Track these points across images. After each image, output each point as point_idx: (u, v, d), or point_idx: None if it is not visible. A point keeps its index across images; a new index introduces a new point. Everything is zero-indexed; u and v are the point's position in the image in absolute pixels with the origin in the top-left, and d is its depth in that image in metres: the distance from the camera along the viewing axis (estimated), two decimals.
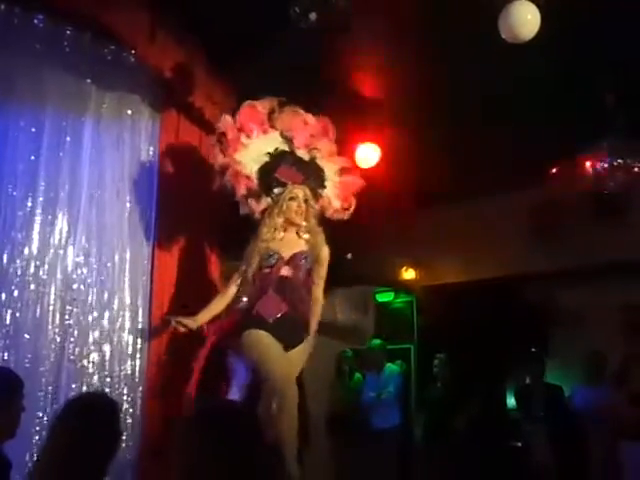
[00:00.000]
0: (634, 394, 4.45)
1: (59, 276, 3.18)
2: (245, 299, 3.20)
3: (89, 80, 3.43)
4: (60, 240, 3.21)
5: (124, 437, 3.16)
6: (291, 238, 3.16)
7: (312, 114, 3.38)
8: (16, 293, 3.01)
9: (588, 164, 4.10)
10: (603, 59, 3.70)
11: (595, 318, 5.88)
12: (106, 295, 3.36)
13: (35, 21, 3.16)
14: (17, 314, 2.99)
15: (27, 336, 3.01)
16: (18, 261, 3.04)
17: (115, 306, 3.40)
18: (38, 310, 3.07)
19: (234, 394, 3.69)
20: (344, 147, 3.60)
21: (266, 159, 3.22)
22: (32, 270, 3.08)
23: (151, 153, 3.72)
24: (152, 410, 3.39)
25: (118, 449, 1.88)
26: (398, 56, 3.95)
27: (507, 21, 3.02)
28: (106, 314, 3.35)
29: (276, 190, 3.17)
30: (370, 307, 6.84)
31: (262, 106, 3.29)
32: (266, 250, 3.08)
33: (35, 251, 3.10)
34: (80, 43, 3.32)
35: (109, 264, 3.40)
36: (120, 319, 3.41)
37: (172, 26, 3.55)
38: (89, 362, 3.24)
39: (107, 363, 3.31)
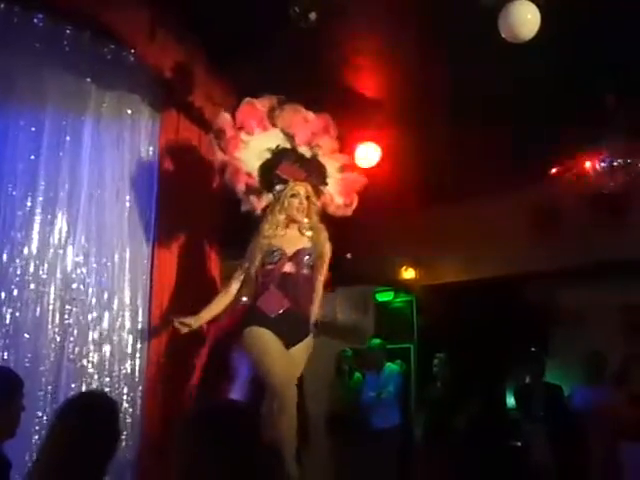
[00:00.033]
0: (634, 394, 4.45)
1: (59, 275, 3.17)
2: (245, 299, 3.20)
3: (89, 79, 3.42)
4: (60, 239, 3.21)
5: (124, 437, 3.16)
6: (293, 235, 3.15)
7: (313, 112, 3.37)
8: (16, 292, 3.01)
9: (588, 164, 4.10)
10: (603, 59, 3.70)
11: (595, 318, 5.89)
12: (106, 295, 3.36)
13: (35, 20, 3.15)
14: (17, 313, 2.99)
15: (27, 335, 3.01)
16: (18, 260, 3.04)
17: (115, 306, 3.40)
18: (38, 310, 3.07)
19: (237, 392, 3.70)
20: (344, 147, 3.59)
21: (268, 156, 3.21)
22: (32, 269, 3.08)
23: (151, 152, 3.72)
24: (152, 410, 3.38)
25: (118, 448, 1.88)
26: (398, 56, 3.95)
27: (507, 20, 3.01)
28: (106, 314, 3.35)
29: (278, 187, 3.16)
30: (370, 307, 6.85)
31: (261, 104, 3.28)
32: (269, 247, 3.07)
33: (35, 250, 3.10)
34: (80, 42, 3.32)
35: (109, 264, 3.40)
36: (120, 319, 3.41)
37: (172, 25, 3.54)
38: (89, 362, 3.24)
39: (107, 363, 3.31)
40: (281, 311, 3.00)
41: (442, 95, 4.27)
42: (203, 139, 3.80)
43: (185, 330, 3.06)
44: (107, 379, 3.29)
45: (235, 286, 3.16)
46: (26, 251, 3.07)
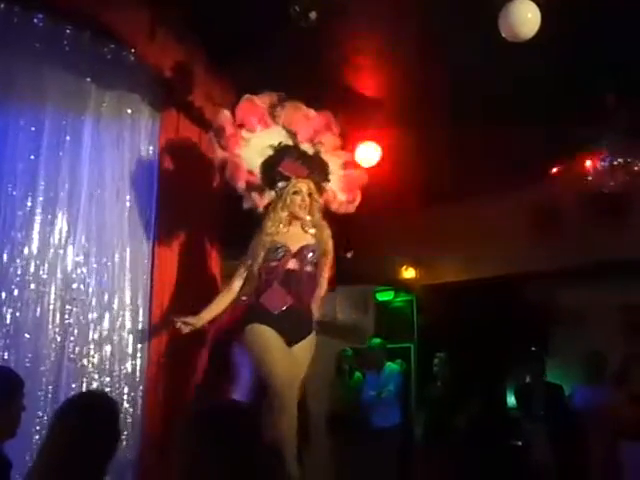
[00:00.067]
0: (634, 394, 4.45)
1: (59, 275, 3.17)
2: (244, 298, 3.19)
3: (89, 79, 3.42)
4: (60, 239, 3.21)
5: (124, 436, 3.16)
6: (296, 232, 3.14)
7: (314, 109, 3.37)
8: (16, 292, 3.00)
9: (588, 163, 4.10)
10: (603, 58, 3.70)
11: (595, 318, 5.89)
12: (106, 294, 3.36)
13: (35, 20, 3.15)
14: (17, 313, 2.99)
15: (27, 335, 3.01)
16: (18, 260, 3.04)
17: (115, 305, 3.40)
18: (38, 309, 3.07)
19: (238, 391, 3.70)
20: (344, 146, 3.59)
21: (270, 153, 3.19)
22: (32, 269, 3.07)
23: (151, 152, 3.72)
24: (152, 409, 3.39)
25: (118, 448, 1.88)
26: (398, 55, 3.94)
27: (507, 20, 3.01)
28: (106, 313, 3.35)
29: (280, 184, 3.15)
30: (370, 306, 6.85)
31: (261, 101, 3.27)
32: (272, 243, 3.05)
33: (35, 250, 3.10)
34: (80, 42, 3.32)
35: (109, 263, 3.40)
36: (120, 318, 3.41)
37: (172, 25, 3.54)
38: (89, 361, 3.24)
39: (107, 362, 3.31)
40: (284, 308, 2.99)
41: (442, 95, 4.27)
42: (203, 138, 3.80)
43: (187, 330, 3.04)
44: (108, 379, 3.29)
45: (238, 283, 3.13)
46: (26, 251, 3.07)
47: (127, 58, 3.50)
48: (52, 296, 3.13)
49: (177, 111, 3.77)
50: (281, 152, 3.18)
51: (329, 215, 3.33)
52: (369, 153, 4.66)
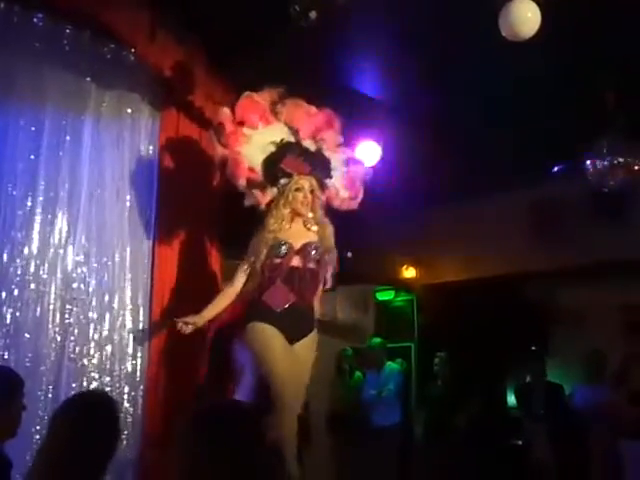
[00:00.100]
0: (634, 393, 4.46)
1: (59, 275, 3.18)
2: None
3: (89, 79, 3.42)
4: (60, 239, 3.21)
5: (125, 436, 3.17)
6: (299, 229, 3.12)
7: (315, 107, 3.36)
8: (16, 292, 3.01)
9: (588, 163, 4.09)
10: (603, 58, 3.70)
11: (595, 317, 5.89)
12: (106, 294, 3.36)
13: (35, 20, 3.15)
14: (17, 313, 3.00)
15: (27, 335, 3.01)
16: (18, 260, 3.04)
17: (115, 305, 3.40)
18: (38, 309, 3.08)
19: (238, 390, 3.69)
20: (345, 144, 3.59)
21: (272, 149, 3.17)
22: (32, 269, 3.08)
23: (151, 152, 3.72)
24: (153, 409, 3.39)
25: (118, 448, 1.87)
26: (398, 54, 3.94)
27: (507, 19, 3.01)
28: (106, 313, 3.35)
29: (282, 181, 3.13)
30: (370, 306, 6.85)
31: (262, 97, 3.25)
32: (275, 240, 3.03)
33: (35, 250, 3.10)
34: (80, 42, 3.32)
35: (109, 263, 3.40)
36: (120, 318, 3.41)
37: (172, 25, 3.54)
38: (90, 361, 3.24)
39: (108, 362, 3.32)
40: (286, 306, 2.98)
41: (442, 94, 4.27)
42: (203, 138, 3.80)
43: (189, 330, 3.01)
44: (108, 378, 3.29)
45: (240, 281, 3.10)
46: (26, 251, 3.07)
47: (127, 58, 3.50)
48: (52, 296, 3.14)
49: (177, 111, 3.77)
50: (283, 149, 3.17)
51: (329, 214, 3.33)
52: (369, 152, 4.66)
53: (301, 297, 3.01)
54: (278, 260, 3.02)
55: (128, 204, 3.55)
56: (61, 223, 3.23)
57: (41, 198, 3.16)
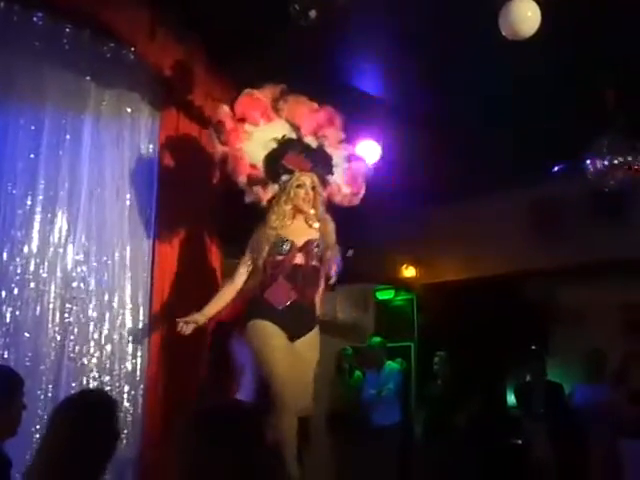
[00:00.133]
0: (634, 392, 4.46)
1: (59, 274, 3.18)
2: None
3: (89, 78, 3.42)
4: (60, 238, 3.21)
5: (125, 435, 3.17)
6: (300, 226, 3.11)
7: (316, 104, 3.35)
8: (16, 291, 3.01)
9: (588, 162, 4.09)
10: (603, 57, 3.70)
11: (595, 316, 5.89)
12: (106, 293, 3.36)
13: (34, 19, 3.15)
14: (17, 312, 3.00)
15: (27, 334, 3.01)
16: (18, 259, 3.04)
17: (115, 304, 3.40)
18: (38, 308, 3.07)
19: (238, 389, 3.69)
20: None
21: (273, 146, 3.16)
22: (32, 268, 3.08)
23: (151, 151, 3.72)
24: (153, 408, 3.39)
25: (117, 447, 1.87)
26: (398, 54, 3.94)
27: (507, 18, 3.01)
28: (106, 312, 3.35)
29: (284, 177, 3.11)
30: (370, 305, 6.85)
31: (263, 94, 3.24)
32: (277, 237, 3.02)
33: (35, 249, 3.10)
34: (79, 41, 3.32)
35: (109, 262, 3.40)
36: (120, 317, 3.41)
37: (172, 24, 3.54)
38: (89, 360, 3.24)
39: (108, 361, 3.32)
40: (288, 303, 2.97)
41: (442, 94, 4.27)
42: (203, 137, 3.80)
43: (190, 329, 2.98)
44: (108, 378, 3.29)
45: (242, 278, 3.08)
46: (26, 250, 3.07)
47: (127, 57, 3.50)
48: (52, 295, 3.14)
49: (177, 110, 3.77)
50: (285, 145, 3.15)
51: (330, 213, 3.32)
52: (369, 151, 4.65)
53: (303, 294, 3.00)
54: (281, 257, 3.00)
55: (128, 203, 3.54)
56: (61, 222, 3.22)
57: (41, 197, 3.16)
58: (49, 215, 3.18)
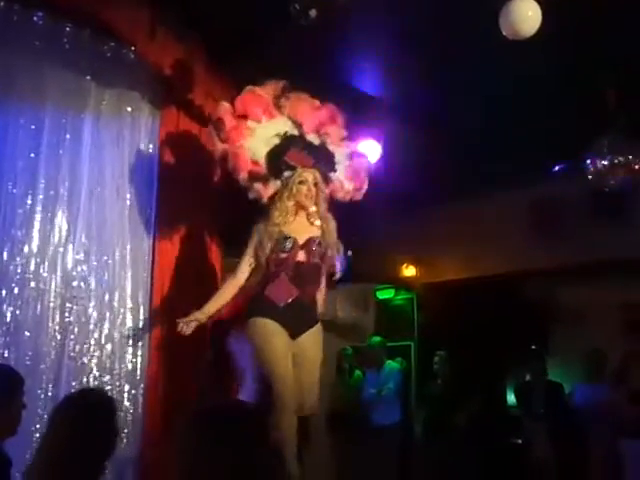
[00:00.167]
0: (634, 392, 4.46)
1: (59, 273, 3.18)
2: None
3: (89, 77, 3.42)
4: (60, 237, 3.21)
5: (125, 434, 3.17)
6: (302, 223, 3.10)
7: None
8: (16, 291, 3.01)
9: (588, 162, 4.09)
10: (604, 56, 3.70)
11: (595, 316, 5.89)
12: (107, 292, 3.36)
13: (34, 18, 3.15)
14: (17, 312, 3.00)
15: (27, 333, 3.01)
16: (18, 259, 3.04)
17: (116, 303, 3.40)
18: (38, 307, 3.08)
19: (238, 388, 3.69)
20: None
21: (276, 142, 3.15)
22: (32, 268, 3.08)
23: (151, 150, 3.72)
24: (153, 407, 3.39)
25: (116, 446, 1.88)
26: (398, 53, 3.94)
27: (508, 18, 3.01)
28: (107, 311, 3.36)
29: (286, 173, 3.10)
30: (370, 304, 6.85)
31: (265, 91, 3.23)
32: (280, 234, 3.00)
33: (35, 248, 3.10)
34: (80, 40, 3.32)
35: (109, 261, 3.40)
36: (121, 316, 3.41)
37: (172, 23, 3.54)
38: (90, 359, 3.24)
39: (108, 360, 3.32)
40: (290, 300, 2.96)
41: (442, 93, 4.26)
42: (203, 136, 3.80)
43: (191, 329, 2.96)
44: (108, 377, 3.29)
45: (244, 274, 3.06)
46: (26, 249, 3.07)
47: (127, 56, 3.50)
48: (52, 294, 3.14)
49: (177, 109, 3.77)
50: (287, 141, 3.14)
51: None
52: (369, 151, 4.65)
53: (304, 292, 3.00)
54: (284, 255, 2.99)
55: (128, 202, 3.55)
56: (61, 221, 3.23)
57: (41, 196, 3.16)
58: (49, 214, 3.18)
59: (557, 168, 5.16)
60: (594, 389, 4.76)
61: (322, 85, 3.69)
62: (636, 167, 3.98)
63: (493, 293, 5.81)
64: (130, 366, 3.41)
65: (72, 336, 3.18)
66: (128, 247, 3.49)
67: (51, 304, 3.12)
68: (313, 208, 3.10)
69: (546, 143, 4.60)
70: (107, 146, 3.50)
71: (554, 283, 6.15)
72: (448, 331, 5.83)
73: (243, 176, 3.14)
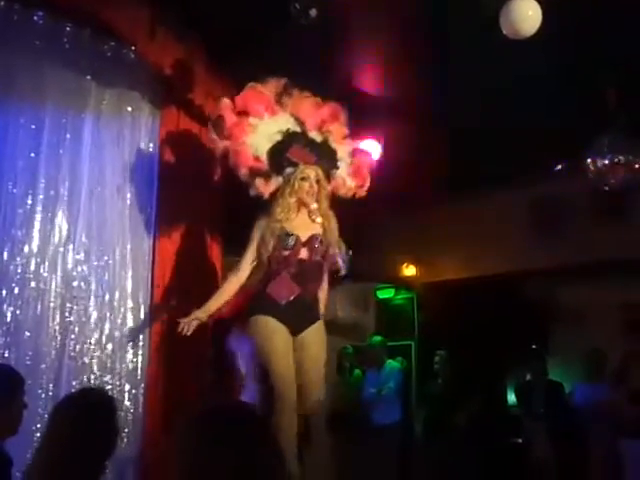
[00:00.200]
0: (634, 391, 4.46)
1: (59, 273, 3.18)
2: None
3: (89, 77, 3.43)
4: (60, 237, 3.22)
5: (125, 434, 3.17)
6: (304, 220, 3.09)
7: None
8: (16, 290, 3.01)
9: (589, 161, 4.09)
10: (604, 55, 3.70)
11: (595, 315, 5.89)
12: (107, 292, 3.37)
13: (35, 18, 3.15)
14: (17, 311, 3.00)
15: (28, 333, 3.02)
16: (18, 259, 3.04)
17: (116, 303, 3.40)
18: (39, 307, 3.08)
19: (243, 385, 3.69)
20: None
21: (278, 138, 3.14)
22: (32, 267, 3.08)
23: (151, 149, 3.72)
24: (153, 407, 3.39)
25: (116, 445, 1.88)
26: (398, 52, 3.94)
27: (508, 17, 3.01)
28: (107, 311, 3.36)
29: (288, 170, 3.09)
30: (371, 304, 6.85)
31: (267, 89, 3.22)
32: (281, 230, 2.99)
33: (35, 248, 3.10)
34: (80, 40, 3.32)
35: (110, 261, 3.41)
36: (121, 316, 3.41)
37: (172, 23, 3.54)
38: (90, 359, 3.24)
39: (108, 360, 3.32)
40: (291, 298, 2.95)
41: (442, 93, 4.26)
42: (203, 135, 3.80)
43: (193, 328, 2.95)
44: (108, 376, 3.29)
45: (246, 272, 3.05)
46: (27, 249, 3.08)
47: (127, 56, 3.50)
48: (52, 294, 3.14)
49: (177, 109, 3.77)
50: (289, 138, 3.13)
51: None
52: (369, 151, 4.65)
53: (305, 289, 2.99)
54: (286, 252, 2.98)
55: (128, 202, 3.55)
56: (61, 221, 3.23)
57: (41, 196, 3.16)
58: (49, 214, 3.18)
59: (557, 167, 5.16)
60: (594, 389, 4.76)
61: (322, 85, 3.69)
62: (636, 166, 3.98)
63: (493, 293, 5.81)
64: (130, 366, 3.41)
65: (72, 336, 3.18)
66: (128, 247, 3.49)
67: (51, 304, 3.13)
68: (314, 205, 3.08)
69: (546, 142, 4.59)
70: (107, 146, 3.50)
71: (554, 283, 6.15)
72: (448, 330, 5.83)
73: (244, 172, 3.13)
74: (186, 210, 3.69)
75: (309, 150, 3.12)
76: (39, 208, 3.14)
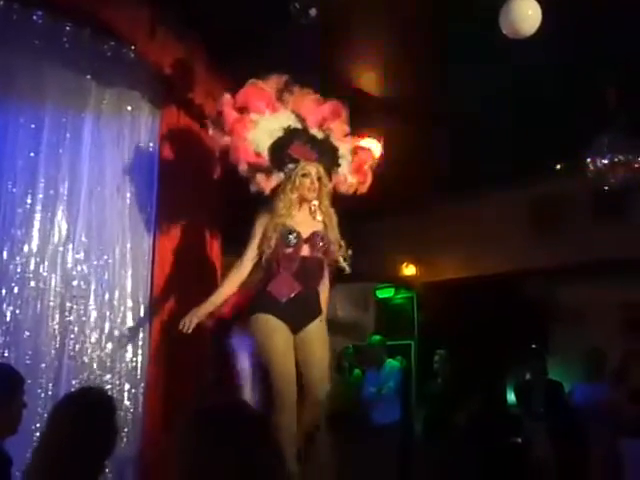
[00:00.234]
0: (634, 391, 4.46)
1: (59, 273, 3.18)
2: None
3: (89, 76, 3.43)
4: (60, 237, 3.22)
5: (125, 433, 3.17)
6: (305, 216, 3.08)
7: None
8: (16, 290, 3.01)
9: (589, 160, 4.09)
10: (604, 55, 3.70)
11: (595, 315, 5.89)
12: (107, 291, 3.37)
13: (34, 17, 3.15)
14: (17, 311, 3.00)
15: (27, 333, 3.02)
16: (18, 258, 3.04)
17: (116, 302, 3.40)
18: (38, 307, 3.08)
19: (243, 384, 3.68)
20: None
21: (279, 134, 3.12)
22: (32, 267, 3.08)
23: (151, 149, 3.72)
24: (153, 406, 3.39)
25: (116, 445, 1.88)
26: (398, 52, 3.94)
27: (508, 17, 3.01)
28: (107, 310, 3.36)
29: (289, 166, 3.07)
30: (370, 303, 6.85)
31: (268, 85, 3.20)
32: (283, 227, 2.98)
33: (35, 248, 3.11)
34: (80, 39, 3.32)
35: (110, 260, 3.41)
36: (121, 315, 3.42)
37: (172, 22, 3.54)
38: (90, 359, 3.24)
39: (108, 359, 3.32)
40: (292, 295, 2.94)
41: (442, 92, 4.26)
42: (203, 135, 3.80)
43: (192, 327, 2.92)
44: (108, 376, 3.30)
45: (248, 268, 3.03)
46: (26, 248, 3.08)
47: (127, 55, 3.50)
48: (52, 293, 3.14)
49: (177, 108, 3.77)
50: (291, 134, 3.11)
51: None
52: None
53: (306, 286, 2.99)
54: (289, 250, 2.97)
55: (128, 201, 3.55)
56: (61, 220, 3.23)
57: (41, 196, 3.16)
58: (49, 214, 3.18)
59: (557, 167, 5.16)
60: (594, 388, 4.76)
61: (322, 84, 3.69)
62: (636, 166, 3.98)
63: (493, 292, 5.81)
64: (130, 365, 3.41)
65: (72, 335, 3.18)
66: (128, 246, 3.49)
67: (51, 303, 3.13)
68: (315, 202, 3.08)
69: (546, 142, 4.60)
70: (107, 145, 3.50)
71: (554, 282, 6.15)
72: (448, 330, 5.83)
73: (245, 167, 3.11)
74: (186, 209, 3.69)
75: (310, 147, 3.11)
76: (39, 207, 3.14)
